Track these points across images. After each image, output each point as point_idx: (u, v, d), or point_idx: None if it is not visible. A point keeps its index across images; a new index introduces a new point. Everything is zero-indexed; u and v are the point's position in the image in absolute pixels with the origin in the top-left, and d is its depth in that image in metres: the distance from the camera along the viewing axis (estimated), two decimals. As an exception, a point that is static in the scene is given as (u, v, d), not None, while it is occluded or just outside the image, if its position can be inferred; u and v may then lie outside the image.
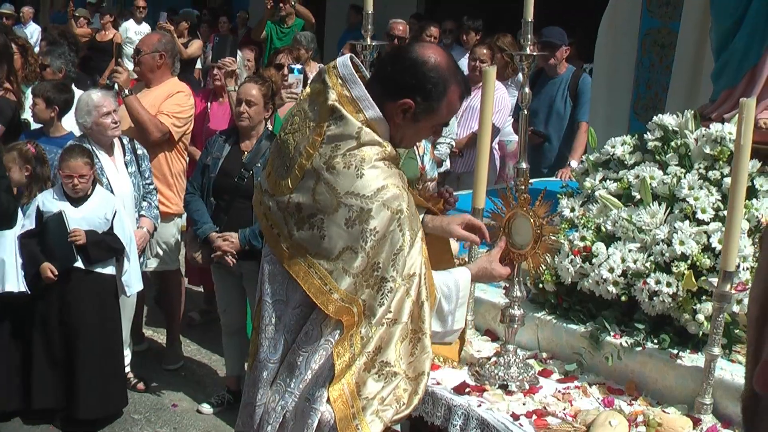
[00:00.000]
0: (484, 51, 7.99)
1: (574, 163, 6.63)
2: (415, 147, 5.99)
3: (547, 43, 7.39)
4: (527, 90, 4.33)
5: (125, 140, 5.93)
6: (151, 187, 6.07)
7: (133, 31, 12.66)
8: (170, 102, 6.45)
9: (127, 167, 5.87)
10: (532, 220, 3.50)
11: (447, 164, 7.45)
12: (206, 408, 5.94)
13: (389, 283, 2.85)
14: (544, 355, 3.83)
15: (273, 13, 10.75)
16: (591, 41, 6.42)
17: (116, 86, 6.28)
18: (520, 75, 8.75)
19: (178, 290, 6.78)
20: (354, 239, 2.82)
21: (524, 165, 4.26)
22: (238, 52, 7.41)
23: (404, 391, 2.91)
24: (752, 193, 3.66)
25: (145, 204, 5.99)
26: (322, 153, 2.88)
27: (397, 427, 3.57)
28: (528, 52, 4.20)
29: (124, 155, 5.89)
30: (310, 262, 2.89)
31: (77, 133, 5.97)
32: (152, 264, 6.43)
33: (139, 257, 5.88)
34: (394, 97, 2.93)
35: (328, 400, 2.85)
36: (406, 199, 2.89)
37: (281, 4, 10.76)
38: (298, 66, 6.97)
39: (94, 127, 5.68)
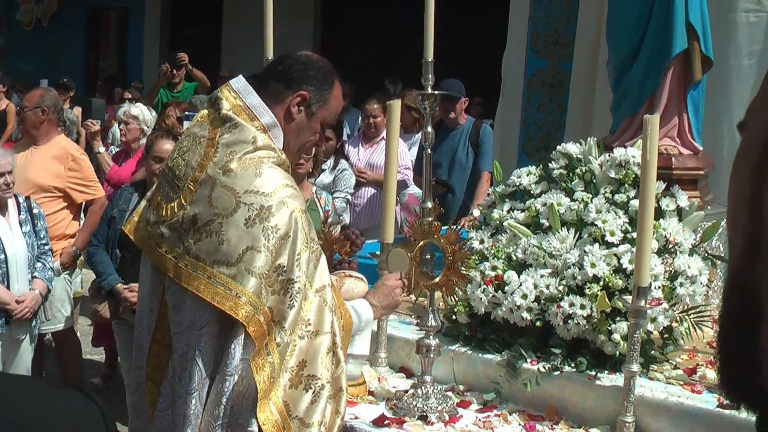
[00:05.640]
0: (375, 106, 8.03)
1: (476, 212, 6.67)
2: (316, 198, 5.94)
3: (446, 96, 7.46)
4: (430, 129, 4.33)
5: (21, 198, 5.71)
6: (46, 247, 5.83)
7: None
8: (79, 171, 6.39)
9: (21, 227, 5.64)
10: (444, 247, 3.47)
11: (346, 218, 7.40)
12: (109, 475, 5.66)
13: (296, 284, 2.75)
14: (461, 387, 3.76)
15: (167, 78, 10.87)
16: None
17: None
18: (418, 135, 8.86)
19: (74, 350, 6.48)
20: (255, 238, 2.72)
21: (429, 204, 4.25)
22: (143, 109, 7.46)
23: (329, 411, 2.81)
24: (659, 213, 3.69)
25: (39, 265, 5.74)
26: (216, 161, 2.82)
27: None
28: (429, 91, 4.24)
29: (19, 214, 5.66)
30: (210, 273, 2.74)
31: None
32: (46, 326, 6.14)
33: (32, 320, 5.64)
34: (289, 90, 2.95)
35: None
36: (303, 202, 2.87)
37: (174, 71, 10.94)
38: (192, 113, 6.96)
39: (-14, 186, 5.46)
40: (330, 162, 7.24)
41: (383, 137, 7.64)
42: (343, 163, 7.32)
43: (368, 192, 7.75)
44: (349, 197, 7.41)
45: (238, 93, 2.93)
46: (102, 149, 7.73)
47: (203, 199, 2.80)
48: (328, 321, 2.82)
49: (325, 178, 7.16)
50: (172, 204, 2.88)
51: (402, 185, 7.74)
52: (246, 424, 2.77)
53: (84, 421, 1.19)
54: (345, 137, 8.76)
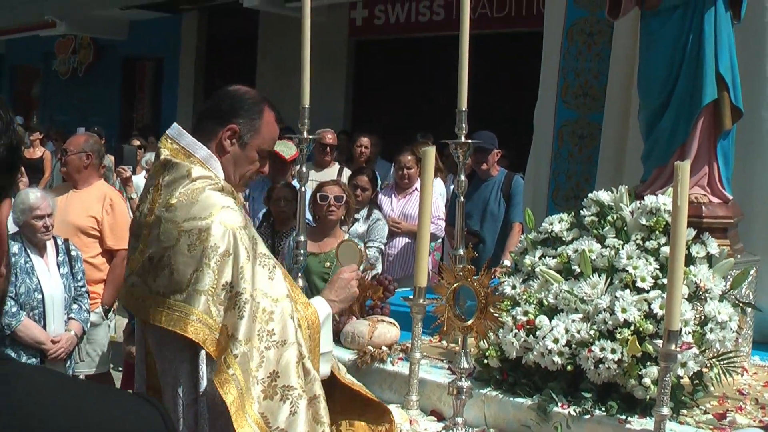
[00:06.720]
0: (409, 158, 8.15)
1: (507, 263, 6.70)
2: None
3: (479, 147, 7.55)
4: (463, 177, 4.41)
5: (59, 240, 5.84)
6: (83, 289, 5.94)
7: None
8: (110, 216, 6.51)
9: (59, 268, 5.76)
10: (477, 291, 3.52)
11: (378, 268, 7.45)
12: None
13: (242, 294, 2.87)
14: (492, 430, 3.79)
15: None
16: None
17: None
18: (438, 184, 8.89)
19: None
20: (198, 261, 2.86)
21: (461, 251, 4.30)
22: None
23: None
24: (689, 260, 3.73)
25: (75, 306, 5.85)
26: (161, 202, 2.98)
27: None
28: (462, 140, 4.32)
29: (57, 255, 5.78)
30: (168, 304, 2.88)
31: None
32: (80, 368, 6.22)
33: (67, 361, 5.74)
34: (219, 126, 3.11)
35: None
36: (242, 220, 2.98)
37: None
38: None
39: (25, 226, 5.59)
40: (364, 212, 7.32)
41: (416, 188, 7.72)
42: (376, 213, 7.40)
43: (401, 242, 7.82)
44: (382, 247, 7.47)
45: (173, 138, 3.11)
46: (134, 195, 7.96)
47: (155, 238, 2.96)
48: (292, 330, 2.93)
49: (359, 227, 7.24)
50: (137, 254, 3.05)
51: (434, 237, 7.80)
52: None
53: (145, 423, 1.25)
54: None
